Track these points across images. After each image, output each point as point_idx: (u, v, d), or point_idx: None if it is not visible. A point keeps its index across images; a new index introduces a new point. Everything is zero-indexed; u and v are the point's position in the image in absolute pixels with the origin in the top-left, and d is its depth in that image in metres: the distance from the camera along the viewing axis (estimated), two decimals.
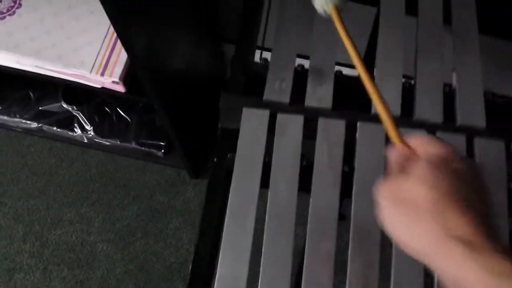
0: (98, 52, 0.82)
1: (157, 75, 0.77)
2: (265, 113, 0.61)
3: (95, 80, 0.83)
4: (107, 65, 0.81)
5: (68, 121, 1.30)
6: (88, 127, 1.28)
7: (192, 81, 0.98)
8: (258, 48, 0.72)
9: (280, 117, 0.61)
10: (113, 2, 0.55)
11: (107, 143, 1.29)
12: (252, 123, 0.60)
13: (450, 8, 0.68)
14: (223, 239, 0.55)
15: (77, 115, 1.29)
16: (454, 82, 0.64)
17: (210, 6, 1.03)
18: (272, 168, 0.58)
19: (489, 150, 0.60)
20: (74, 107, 1.30)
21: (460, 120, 0.62)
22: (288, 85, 0.63)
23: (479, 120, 0.62)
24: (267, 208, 0.56)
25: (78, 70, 0.82)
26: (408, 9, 0.68)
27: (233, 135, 0.60)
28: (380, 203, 0.41)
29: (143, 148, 1.27)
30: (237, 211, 0.56)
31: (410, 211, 0.38)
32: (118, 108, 1.29)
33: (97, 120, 1.29)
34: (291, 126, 0.60)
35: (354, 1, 0.77)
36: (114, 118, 1.29)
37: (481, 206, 0.39)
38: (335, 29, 0.51)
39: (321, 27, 0.66)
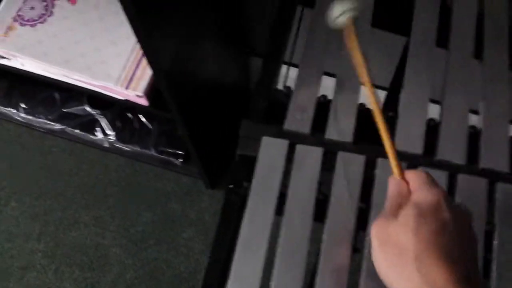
0: (125, 66, 0.83)
1: (180, 92, 0.77)
2: (284, 143, 0.60)
3: (119, 93, 0.84)
4: (132, 79, 0.82)
5: (90, 125, 1.31)
6: (110, 131, 1.30)
7: (215, 95, 0.98)
8: (285, 63, 0.71)
9: (299, 148, 0.60)
10: (138, 20, 0.56)
11: (127, 149, 1.30)
12: (270, 152, 0.60)
13: (483, 43, 0.67)
14: (232, 268, 0.54)
15: (100, 119, 1.31)
16: (480, 123, 0.63)
17: (237, 18, 1.04)
18: (288, 199, 0.57)
19: (510, 195, 0.59)
20: (98, 111, 1.31)
21: (482, 163, 0.60)
22: (309, 115, 0.62)
23: (502, 164, 0.60)
24: (280, 238, 0.56)
25: (104, 82, 0.83)
26: (439, 41, 0.67)
27: (251, 162, 0.59)
28: (372, 239, 0.42)
29: (162, 156, 1.28)
30: (249, 238, 0.55)
31: (396, 254, 0.40)
32: (140, 115, 1.31)
33: (119, 125, 1.30)
34: (310, 158, 0.60)
35: (383, 29, 0.77)
36: (136, 124, 1.30)
37: (465, 255, 0.39)
38: (348, 48, 0.53)
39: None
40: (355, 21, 0.55)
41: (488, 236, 0.57)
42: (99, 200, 1.37)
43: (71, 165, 1.41)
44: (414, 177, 0.44)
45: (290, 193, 0.58)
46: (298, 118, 0.62)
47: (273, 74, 0.67)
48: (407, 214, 0.40)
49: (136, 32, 0.57)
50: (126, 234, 1.33)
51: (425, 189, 0.42)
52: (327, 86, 0.64)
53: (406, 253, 0.39)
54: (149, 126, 1.30)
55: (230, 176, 0.62)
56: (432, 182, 0.44)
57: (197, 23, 0.76)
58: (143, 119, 1.30)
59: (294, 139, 0.61)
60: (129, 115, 1.31)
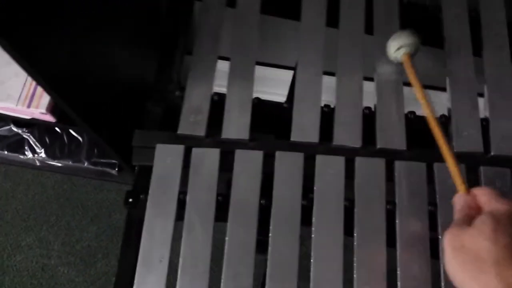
0: (24, 84, 0.80)
1: (82, 103, 0.74)
2: (179, 148, 0.59)
3: (23, 112, 0.81)
4: (33, 97, 0.79)
5: (19, 144, 1.27)
6: (38, 149, 1.26)
7: (132, 98, 0.94)
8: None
9: (195, 151, 0.59)
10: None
11: (60, 165, 1.26)
12: (166, 160, 0.58)
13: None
14: (135, 281, 0.53)
15: (28, 137, 1.27)
16: (374, 104, 0.63)
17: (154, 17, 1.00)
18: (187, 204, 0.56)
19: (409, 173, 0.59)
20: (24, 130, 1.27)
21: (380, 143, 0.61)
22: (203, 117, 0.61)
23: (399, 143, 0.61)
24: (182, 244, 0.55)
25: (5, 103, 0.80)
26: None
27: (148, 172, 0.58)
28: (444, 247, 0.44)
29: (96, 167, 1.25)
30: (150, 251, 0.54)
31: (472, 260, 0.41)
32: (69, 128, 1.27)
33: (48, 141, 1.26)
34: (207, 160, 0.59)
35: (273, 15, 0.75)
36: (65, 138, 1.27)
37: None
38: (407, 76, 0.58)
39: (238, 57, 0.65)
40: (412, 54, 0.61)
41: (391, 214, 0.57)
42: (40, 220, 1.33)
43: (6, 188, 1.36)
44: (483, 192, 0.47)
45: (189, 198, 0.57)
46: (192, 121, 0.60)
47: (168, 79, 0.66)
48: (483, 223, 0.42)
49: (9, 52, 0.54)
50: (73, 251, 1.30)
51: (497, 201, 0.45)
52: (222, 84, 0.63)
53: (484, 259, 0.40)
54: (80, 138, 1.27)
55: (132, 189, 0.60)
56: (501, 194, 0.46)
57: (95, 30, 0.72)
58: (72, 132, 1.26)
59: (190, 143, 0.59)
60: (57, 129, 1.27)
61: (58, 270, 1.28)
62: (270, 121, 0.63)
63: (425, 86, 0.59)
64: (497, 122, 0.61)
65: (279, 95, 0.69)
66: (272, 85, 0.71)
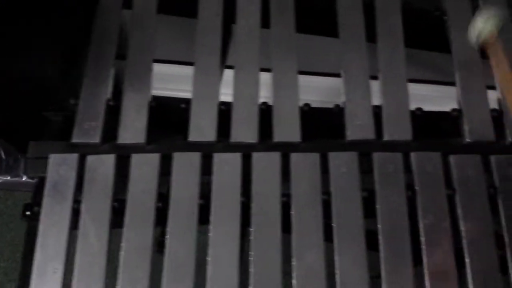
0: None
1: None
2: (73, 157, 0.59)
3: None
4: None
5: None
6: None
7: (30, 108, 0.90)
8: None
9: (90, 159, 0.59)
10: None
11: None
12: (60, 169, 0.58)
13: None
14: None
15: None
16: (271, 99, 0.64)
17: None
18: (82, 212, 0.56)
19: (304, 163, 0.60)
20: None
21: (276, 137, 0.61)
22: (98, 123, 0.61)
23: (295, 135, 0.62)
24: (77, 253, 0.55)
25: None
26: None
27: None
28: None
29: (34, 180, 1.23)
30: (44, 263, 0.54)
31: None
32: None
33: None
34: (102, 167, 0.59)
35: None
36: (2, 154, 1.25)
37: None
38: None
39: (134, 59, 0.65)
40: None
41: (286, 207, 0.58)
42: None
43: None
44: None
45: (84, 206, 0.57)
46: (87, 128, 0.60)
47: (66, 88, 0.66)
48: None
49: None
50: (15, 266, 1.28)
51: None
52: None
53: None
54: (17, 154, 1.25)
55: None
56: None
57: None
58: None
59: (85, 150, 0.59)
60: None
61: (5, 286, 1.27)
62: (172, 122, 0.63)
63: (320, 74, 0.60)
64: (389, 108, 0.63)
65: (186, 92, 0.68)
66: (176, 82, 0.71)
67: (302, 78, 0.64)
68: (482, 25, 0.57)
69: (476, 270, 0.55)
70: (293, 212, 0.58)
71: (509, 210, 0.58)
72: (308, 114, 0.63)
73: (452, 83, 0.65)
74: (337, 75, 0.66)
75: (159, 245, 0.57)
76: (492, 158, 0.61)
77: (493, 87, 0.64)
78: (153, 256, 0.55)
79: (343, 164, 0.60)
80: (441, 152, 0.61)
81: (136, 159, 0.59)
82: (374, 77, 0.65)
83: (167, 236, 0.56)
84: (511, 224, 0.58)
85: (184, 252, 0.55)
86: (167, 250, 0.55)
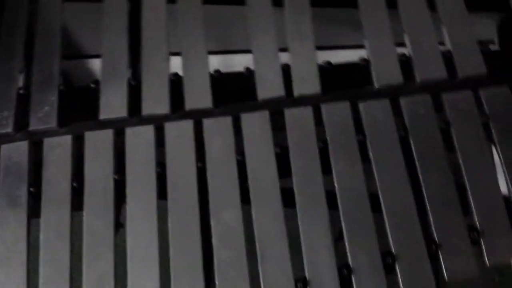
0: None
1: None
2: None
3: None
4: None
5: None
6: None
7: None
8: None
9: (3, 148, 0.59)
10: None
11: None
12: None
13: None
14: None
15: None
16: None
17: None
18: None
19: (217, 128, 0.61)
20: None
21: (188, 105, 0.62)
22: (10, 112, 0.61)
23: (206, 101, 0.62)
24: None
25: None
26: None
27: None
28: None
29: None
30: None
31: None
32: None
33: None
34: (16, 154, 0.59)
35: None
36: None
37: None
38: None
39: (41, 45, 0.65)
40: None
41: (201, 173, 0.59)
42: None
43: None
44: None
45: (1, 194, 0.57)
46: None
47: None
48: None
49: None
50: None
51: None
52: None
53: None
54: None
55: None
56: None
57: None
58: None
59: None
60: None
61: None
62: (83, 104, 0.64)
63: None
64: (297, 65, 0.64)
65: None
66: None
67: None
68: None
69: (391, 213, 0.56)
70: (208, 175, 0.58)
71: (420, 148, 0.59)
72: (219, 80, 0.64)
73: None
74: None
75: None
76: (402, 100, 0.62)
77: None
78: (72, 238, 0.56)
79: (255, 124, 0.61)
80: (351, 101, 0.62)
81: (48, 143, 0.60)
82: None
83: (84, 216, 0.56)
84: (423, 162, 0.59)
85: (100, 231, 0.56)
86: (84, 229, 0.56)
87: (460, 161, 0.59)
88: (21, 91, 0.63)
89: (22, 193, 0.57)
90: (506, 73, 0.64)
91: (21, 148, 0.60)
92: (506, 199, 0.57)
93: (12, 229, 0.56)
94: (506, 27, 0.78)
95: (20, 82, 0.64)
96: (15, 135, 0.61)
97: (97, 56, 0.65)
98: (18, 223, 0.56)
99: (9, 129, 0.60)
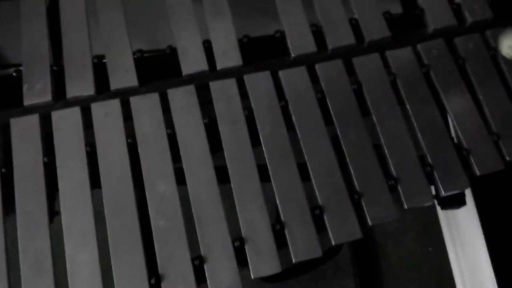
0: None
1: None
2: None
3: None
4: None
5: None
6: None
7: None
8: None
9: None
10: None
11: None
12: None
13: None
14: None
15: None
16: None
17: None
18: None
19: (144, 105, 0.62)
20: None
21: (113, 85, 0.63)
22: None
23: (132, 80, 0.63)
24: None
25: None
26: None
27: None
28: None
29: None
30: None
31: None
32: None
33: None
34: None
35: None
36: None
37: None
38: None
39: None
40: None
41: (133, 148, 0.60)
42: None
43: None
44: None
45: None
46: None
47: None
48: None
49: None
50: None
51: None
52: None
53: None
54: None
55: None
56: None
57: None
58: None
59: None
60: None
61: None
62: (5, 92, 0.63)
63: None
64: (217, 40, 0.66)
65: None
66: None
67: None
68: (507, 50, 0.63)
69: (315, 170, 0.61)
70: (140, 150, 0.60)
71: (337, 109, 0.64)
72: (142, 59, 0.65)
73: None
74: None
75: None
76: (317, 67, 0.66)
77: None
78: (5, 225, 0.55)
79: (182, 98, 0.63)
80: (271, 71, 0.65)
81: None
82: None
83: (17, 202, 0.56)
84: (340, 121, 0.63)
85: (36, 217, 0.56)
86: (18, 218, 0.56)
87: (374, 118, 0.64)
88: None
89: None
90: (409, 35, 0.70)
91: None
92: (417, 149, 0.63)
93: None
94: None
95: None
96: None
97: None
98: None
99: None
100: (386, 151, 0.63)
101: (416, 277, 1.28)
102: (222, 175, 0.60)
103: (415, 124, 0.64)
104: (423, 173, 0.62)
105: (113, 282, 0.54)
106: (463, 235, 1.25)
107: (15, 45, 0.66)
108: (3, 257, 0.54)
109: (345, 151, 0.62)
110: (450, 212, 1.25)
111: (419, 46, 0.69)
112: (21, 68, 0.63)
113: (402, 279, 1.28)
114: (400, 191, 0.61)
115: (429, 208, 1.31)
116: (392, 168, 0.62)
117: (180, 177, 0.59)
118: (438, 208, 1.24)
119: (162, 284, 0.54)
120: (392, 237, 1.31)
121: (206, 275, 0.55)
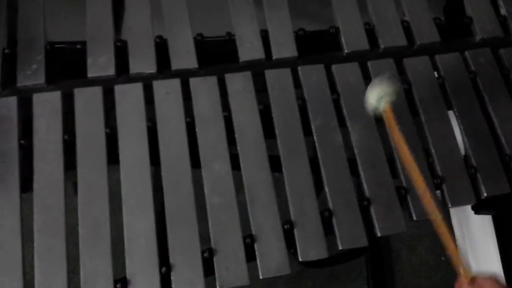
0: None
1: None
2: None
3: None
4: None
5: None
6: None
7: None
8: None
9: None
10: None
11: None
12: None
13: None
14: None
15: None
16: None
17: None
18: None
19: (203, 87, 0.64)
20: None
21: (174, 65, 0.65)
22: None
23: (192, 62, 0.66)
24: None
25: None
26: None
27: None
28: None
29: None
30: None
31: None
32: None
33: None
34: (5, 109, 0.60)
35: None
36: None
37: None
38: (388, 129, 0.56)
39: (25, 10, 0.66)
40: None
41: (190, 127, 0.62)
42: None
43: None
44: (488, 282, 0.48)
45: None
46: None
47: None
48: None
49: None
50: None
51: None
52: None
53: None
54: None
55: None
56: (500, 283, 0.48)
57: None
58: None
59: None
60: None
61: None
62: (69, 64, 0.65)
63: None
64: (274, 31, 0.69)
65: None
66: None
67: None
68: (376, 104, 0.56)
69: (364, 161, 0.63)
70: (198, 129, 0.62)
71: None
72: (202, 43, 0.67)
73: None
74: None
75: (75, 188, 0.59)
76: (369, 64, 0.68)
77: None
78: (66, 195, 0.57)
79: (239, 84, 0.65)
80: (324, 64, 0.68)
81: (38, 98, 0.61)
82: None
83: (78, 169, 0.58)
84: None
85: (97, 184, 0.58)
86: (79, 185, 0.57)
87: (422, 118, 0.66)
88: (6, 51, 0.63)
89: (13, 145, 0.58)
90: (456, 41, 0.73)
91: (10, 103, 0.60)
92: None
93: (3, 179, 0.56)
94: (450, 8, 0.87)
95: (5, 42, 0.64)
96: (2, 92, 0.61)
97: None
98: (10, 175, 0.57)
99: None
100: (432, 151, 0.64)
101: (427, 285, 1.29)
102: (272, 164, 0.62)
103: (461, 127, 0.66)
104: (467, 174, 0.63)
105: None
106: (477, 246, 1.26)
107: (79, 22, 0.68)
108: (62, 224, 0.56)
109: (393, 147, 0.64)
110: (464, 223, 1.27)
111: (466, 53, 0.71)
112: (85, 42, 0.65)
113: (414, 286, 1.29)
114: (445, 190, 0.63)
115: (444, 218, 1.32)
116: (438, 168, 0.64)
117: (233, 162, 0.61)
118: (453, 218, 1.26)
119: (215, 258, 0.56)
120: (407, 243, 1.32)
121: (256, 253, 0.57)
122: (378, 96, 0.55)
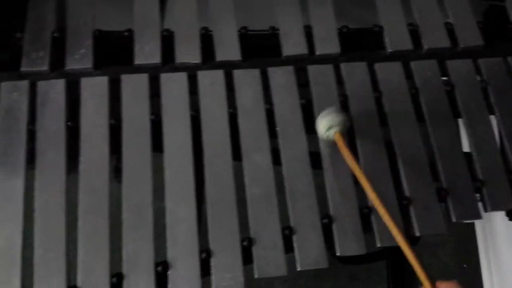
0: None
1: None
2: (24, 84, 0.61)
3: None
4: None
5: None
6: None
7: None
8: None
9: (40, 84, 0.61)
10: None
11: None
12: (11, 96, 0.60)
13: None
14: None
15: None
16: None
17: None
18: (38, 137, 0.58)
19: (246, 79, 0.65)
20: None
21: (218, 57, 0.66)
22: (45, 53, 0.63)
23: (235, 54, 0.66)
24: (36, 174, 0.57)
25: None
26: None
27: None
28: None
29: None
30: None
31: None
32: None
33: None
34: (53, 91, 0.61)
35: None
36: None
37: None
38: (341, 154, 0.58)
39: None
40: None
41: (233, 118, 0.62)
42: None
43: None
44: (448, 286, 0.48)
45: (40, 130, 0.59)
46: (35, 58, 0.62)
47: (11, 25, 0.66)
48: None
49: None
50: None
51: None
52: None
53: None
54: None
55: None
56: None
57: None
58: None
59: (34, 78, 0.61)
60: None
61: None
62: (118, 50, 0.66)
63: None
64: (318, 27, 0.69)
65: None
66: None
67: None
68: (326, 133, 0.59)
69: (406, 162, 0.63)
70: (240, 121, 0.62)
71: (429, 106, 0.66)
72: (246, 36, 0.68)
73: None
74: None
75: (116, 172, 0.60)
76: (412, 64, 0.68)
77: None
78: (111, 181, 0.58)
79: (281, 78, 0.66)
80: (367, 62, 0.68)
81: (85, 83, 0.62)
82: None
83: (123, 154, 0.59)
84: (432, 119, 0.65)
85: (141, 174, 0.58)
86: (124, 173, 0.58)
87: (464, 121, 0.66)
88: (55, 34, 0.64)
89: (60, 126, 0.59)
90: (500, 46, 0.72)
91: (58, 85, 0.61)
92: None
93: (51, 159, 0.58)
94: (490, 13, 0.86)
95: (54, 26, 0.65)
96: (50, 74, 0.62)
97: None
98: (56, 155, 0.58)
99: (45, 67, 0.62)
100: (473, 154, 0.64)
101: None
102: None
103: (503, 132, 0.66)
104: (507, 179, 0.63)
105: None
106: (500, 255, 1.25)
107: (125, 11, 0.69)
108: (106, 206, 0.57)
109: (434, 148, 0.64)
110: (488, 231, 1.26)
111: (509, 59, 0.71)
112: (132, 29, 0.66)
113: None
114: (485, 194, 0.62)
115: (468, 224, 1.32)
116: (479, 171, 0.63)
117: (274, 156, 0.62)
118: (477, 225, 1.25)
119: (253, 248, 0.56)
120: (430, 248, 1.32)
121: (294, 245, 0.57)
122: (327, 127, 0.58)
